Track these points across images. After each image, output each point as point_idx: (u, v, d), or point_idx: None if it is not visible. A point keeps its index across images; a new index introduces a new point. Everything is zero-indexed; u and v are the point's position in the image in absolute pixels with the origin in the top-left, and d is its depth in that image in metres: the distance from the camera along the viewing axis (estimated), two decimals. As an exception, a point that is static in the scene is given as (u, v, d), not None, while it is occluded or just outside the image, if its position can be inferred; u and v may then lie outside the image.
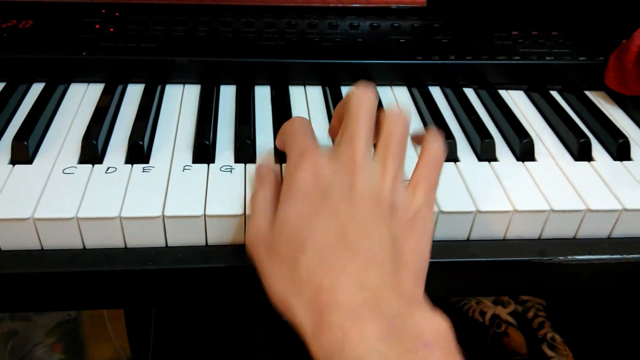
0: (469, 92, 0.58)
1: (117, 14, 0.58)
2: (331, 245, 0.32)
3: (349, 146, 0.35)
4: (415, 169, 0.37)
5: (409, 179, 0.37)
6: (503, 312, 0.90)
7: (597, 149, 0.50)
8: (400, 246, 0.33)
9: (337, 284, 0.31)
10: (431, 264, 0.36)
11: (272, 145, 0.48)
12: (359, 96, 0.38)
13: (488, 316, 0.89)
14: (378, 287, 0.31)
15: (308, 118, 0.52)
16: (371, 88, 0.38)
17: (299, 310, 0.31)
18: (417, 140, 0.42)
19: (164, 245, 0.41)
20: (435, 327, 0.30)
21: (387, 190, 0.35)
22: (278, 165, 0.42)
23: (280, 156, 0.45)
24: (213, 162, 0.45)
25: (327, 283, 0.31)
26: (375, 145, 0.37)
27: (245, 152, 0.46)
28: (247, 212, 0.40)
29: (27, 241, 0.39)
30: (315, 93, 0.56)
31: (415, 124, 0.53)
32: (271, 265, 0.34)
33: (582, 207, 0.43)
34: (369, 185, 0.34)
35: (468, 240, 0.43)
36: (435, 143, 0.38)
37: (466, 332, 0.90)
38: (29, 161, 0.44)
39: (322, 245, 0.32)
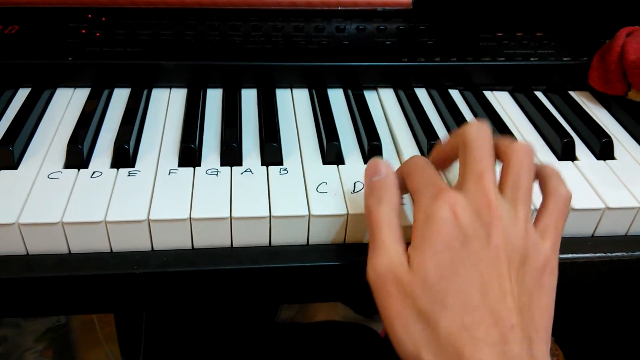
0: (455, 94, 0.58)
1: (104, 19, 0.58)
2: (473, 308, 0.30)
3: (480, 187, 0.33)
4: (542, 211, 0.36)
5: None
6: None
7: (580, 149, 0.51)
8: (532, 306, 0.32)
9: (479, 354, 0.29)
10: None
11: (259, 148, 0.48)
12: (478, 132, 0.35)
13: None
14: (518, 356, 0.29)
15: (294, 121, 0.53)
16: (486, 125, 0.36)
17: None
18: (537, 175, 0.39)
19: (150, 249, 0.41)
20: None
21: (521, 238, 0.33)
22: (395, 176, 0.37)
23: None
24: (199, 165, 0.45)
25: (468, 352, 0.29)
26: (500, 184, 0.35)
27: (231, 155, 0.46)
28: (233, 216, 0.40)
29: (13, 246, 0.39)
30: (301, 96, 0.57)
31: (401, 126, 0.53)
32: (404, 314, 0.32)
33: (565, 206, 0.43)
34: (504, 233, 0.32)
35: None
36: (564, 186, 0.36)
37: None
38: (14, 166, 0.44)
39: (464, 307, 0.30)
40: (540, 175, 0.38)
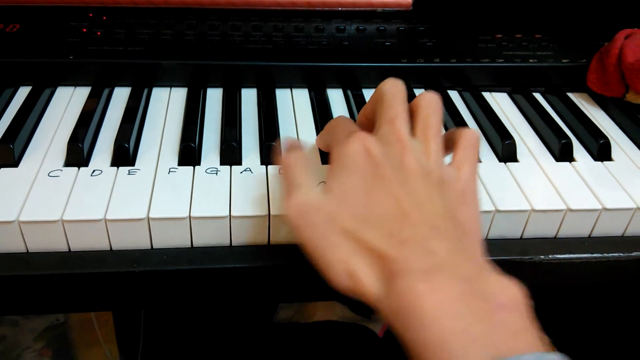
0: (454, 95, 0.59)
1: (105, 18, 0.58)
2: (393, 218, 0.32)
3: (392, 128, 0.36)
4: (455, 151, 0.38)
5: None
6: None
7: (578, 150, 0.51)
8: (458, 216, 0.34)
9: (408, 253, 0.31)
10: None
11: (258, 148, 0.48)
12: (391, 85, 0.38)
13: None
14: (448, 253, 0.31)
15: (294, 121, 0.53)
16: (400, 80, 0.39)
17: (366, 278, 0.31)
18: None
19: (150, 247, 0.41)
20: (511, 291, 0.30)
21: (435, 164, 0.35)
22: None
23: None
24: (199, 164, 0.46)
25: (398, 254, 0.31)
26: (412, 128, 0.37)
27: (231, 154, 0.46)
28: (233, 215, 0.40)
29: (13, 244, 0.40)
30: (301, 96, 0.57)
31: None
32: (332, 237, 0.33)
33: (563, 206, 0.44)
34: (417, 162, 0.34)
35: (451, 240, 0.44)
36: (468, 129, 0.39)
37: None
38: (15, 164, 0.44)
39: (385, 219, 0.32)
40: (447, 134, 0.40)
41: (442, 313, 0.28)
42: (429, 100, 0.38)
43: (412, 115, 0.38)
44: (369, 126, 0.40)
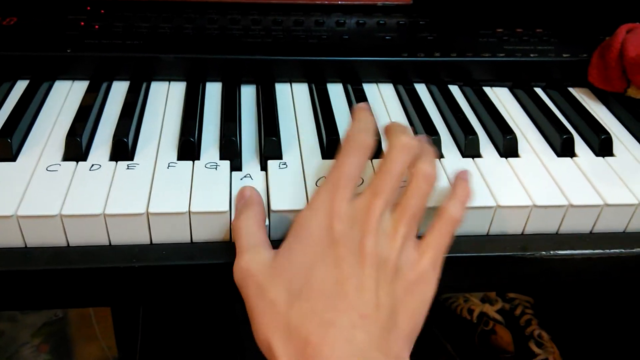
0: (454, 89, 0.58)
1: (103, 11, 0.58)
2: (326, 296, 0.33)
3: (369, 203, 0.35)
4: (429, 230, 0.38)
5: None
6: (491, 310, 0.90)
7: (579, 145, 0.51)
8: (397, 308, 0.34)
9: (325, 337, 0.31)
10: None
11: (257, 147, 0.48)
12: (400, 149, 0.38)
13: (476, 314, 0.90)
14: (366, 346, 0.31)
15: (294, 115, 0.52)
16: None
17: (282, 356, 0.32)
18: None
19: (149, 243, 0.41)
20: None
21: (395, 252, 0.35)
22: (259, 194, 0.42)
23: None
24: (198, 159, 0.45)
25: (315, 336, 0.31)
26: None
27: (230, 149, 0.46)
28: (233, 210, 0.40)
29: (11, 239, 0.39)
30: (301, 90, 0.57)
31: (401, 121, 0.53)
32: (260, 306, 0.34)
33: (564, 202, 0.43)
34: (376, 246, 0.34)
35: (452, 235, 0.44)
36: (457, 208, 0.38)
37: (454, 330, 0.91)
38: (13, 158, 0.44)
39: (318, 295, 0.33)
40: (451, 190, 0.40)
41: None
42: (421, 181, 0.37)
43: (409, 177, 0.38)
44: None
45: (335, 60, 0.57)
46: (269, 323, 0.33)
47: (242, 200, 0.41)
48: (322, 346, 0.31)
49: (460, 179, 0.41)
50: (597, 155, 0.50)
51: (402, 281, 0.35)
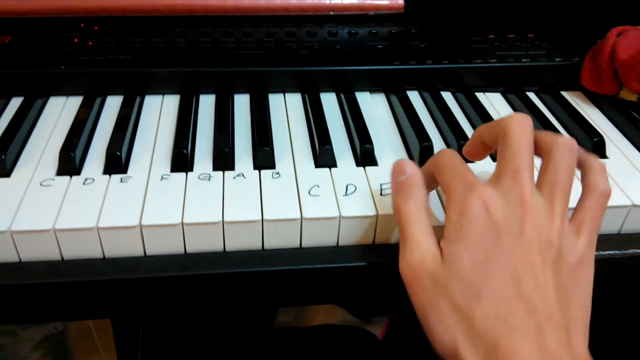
0: (447, 96, 0.59)
1: (96, 28, 0.58)
2: (508, 298, 0.31)
3: (515, 183, 0.33)
4: (579, 206, 0.36)
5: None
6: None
7: (572, 148, 0.51)
8: (569, 299, 0.32)
9: (516, 344, 0.30)
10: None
11: (251, 153, 0.48)
12: (519, 124, 0.35)
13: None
14: (555, 349, 0.30)
15: (287, 125, 0.53)
16: (529, 118, 0.36)
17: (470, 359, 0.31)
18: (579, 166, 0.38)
19: (143, 255, 0.41)
20: None
21: (556, 234, 0.33)
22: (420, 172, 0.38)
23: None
24: (191, 170, 0.45)
25: (505, 342, 0.30)
26: (538, 178, 0.35)
27: (223, 160, 0.46)
28: (226, 220, 0.40)
29: (5, 253, 0.39)
30: (294, 100, 0.57)
31: (394, 129, 0.53)
32: (440, 307, 0.32)
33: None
34: (537, 229, 0.32)
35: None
36: (604, 181, 0.36)
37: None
38: (7, 174, 0.44)
39: (499, 298, 0.31)
40: (583, 166, 0.37)
41: None
42: (562, 151, 0.35)
43: (540, 155, 0.36)
44: (479, 152, 0.39)
45: (328, 70, 0.57)
46: (452, 324, 0.31)
47: (400, 176, 0.37)
48: (513, 352, 0.29)
49: (585, 154, 0.38)
50: (590, 157, 0.50)
51: (566, 267, 0.33)
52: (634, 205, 0.44)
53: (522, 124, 0.35)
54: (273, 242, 0.42)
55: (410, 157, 0.50)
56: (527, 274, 0.31)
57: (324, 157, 0.47)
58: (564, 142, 0.35)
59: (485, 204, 0.32)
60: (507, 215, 0.32)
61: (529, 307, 0.31)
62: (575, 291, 0.33)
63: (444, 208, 0.42)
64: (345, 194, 0.43)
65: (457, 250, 0.32)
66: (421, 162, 0.48)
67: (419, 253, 0.34)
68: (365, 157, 0.48)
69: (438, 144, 0.51)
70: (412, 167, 0.37)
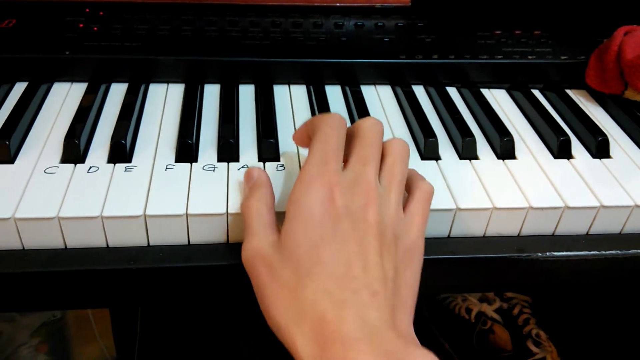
0: (452, 91, 0.58)
1: (101, 13, 0.58)
2: (338, 277, 0.33)
3: (363, 172, 0.36)
4: (410, 201, 0.39)
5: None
6: (488, 309, 0.90)
7: (576, 147, 0.51)
8: (399, 280, 0.35)
9: (341, 315, 0.31)
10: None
11: (256, 144, 0.48)
12: (373, 124, 0.39)
13: (474, 313, 0.90)
14: (378, 323, 0.31)
15: (292, 117, 0.52)
16: (380, 122, 0.40)
17: (299, 338, 0.32)
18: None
19: (146, 245, 0.41)
20: None
21: (393, 219, 0.36)
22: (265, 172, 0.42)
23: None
24: (196, 161, 0.45)
25: (331, 314, 0.31)
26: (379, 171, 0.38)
27: (228, 151, 0.46)
28: (230, 212, 0.40)
29: (9, 241, 0.39)
30: (299, 92, 0.57)
31: (399, 123, 0.53)
32: (272, 288, 0.34)
33: (560, 204, 0.44)
34: (379, 215, 0.35)
35: (449, 237, 0.44)
36: (425, 182, 0.40)
37: (452, 329, 0.91)
38: (11, 161, 0.44)
39: (329, 276, 0.33)
40: (408, 176, 0.41)
41: None
42: (398, 148, 0.39)
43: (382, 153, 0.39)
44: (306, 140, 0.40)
45: (333, 62, 0.57)
46: (282, 304, 0.33)
47: (250, 181, 0.41)
48: (340, 324, 0.31)
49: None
50: (594, 157, 0.50)
51: (401, 250, 0.36)
52: (637, 206, 0.44)
53: (376, 124, 0.39)
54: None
55: (419, 150, 0.50)
56: (358, 255, 0.33)
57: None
58: (400, 141, 0.40)
59: (329, 193, 0.35)
60: (350, 202, 0.35)
61: (357, 284, 0.32)
62: (406, 272, 0.36)
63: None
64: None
65: (294, 227, 0.35)
66: (425, 157, 0.48)
67: (257, 241, 0.36)
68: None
69: (442, 138, 0.51)
70: (257, 172, 0.41)
